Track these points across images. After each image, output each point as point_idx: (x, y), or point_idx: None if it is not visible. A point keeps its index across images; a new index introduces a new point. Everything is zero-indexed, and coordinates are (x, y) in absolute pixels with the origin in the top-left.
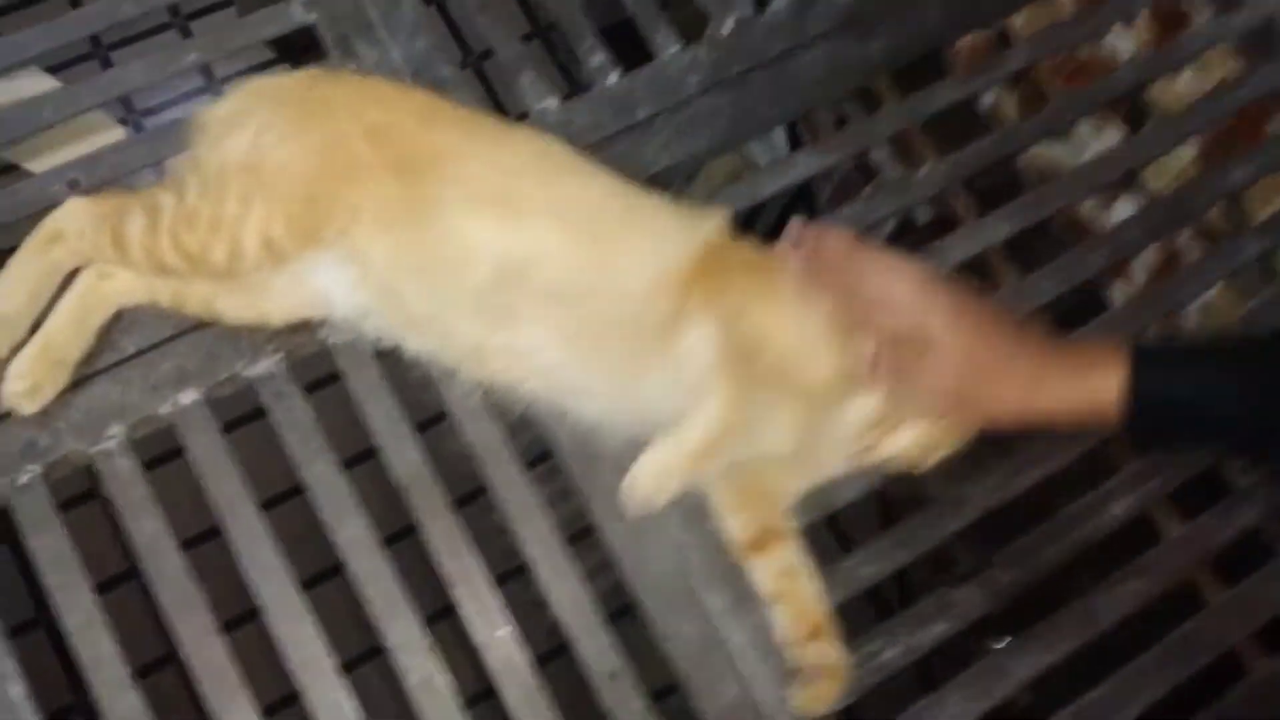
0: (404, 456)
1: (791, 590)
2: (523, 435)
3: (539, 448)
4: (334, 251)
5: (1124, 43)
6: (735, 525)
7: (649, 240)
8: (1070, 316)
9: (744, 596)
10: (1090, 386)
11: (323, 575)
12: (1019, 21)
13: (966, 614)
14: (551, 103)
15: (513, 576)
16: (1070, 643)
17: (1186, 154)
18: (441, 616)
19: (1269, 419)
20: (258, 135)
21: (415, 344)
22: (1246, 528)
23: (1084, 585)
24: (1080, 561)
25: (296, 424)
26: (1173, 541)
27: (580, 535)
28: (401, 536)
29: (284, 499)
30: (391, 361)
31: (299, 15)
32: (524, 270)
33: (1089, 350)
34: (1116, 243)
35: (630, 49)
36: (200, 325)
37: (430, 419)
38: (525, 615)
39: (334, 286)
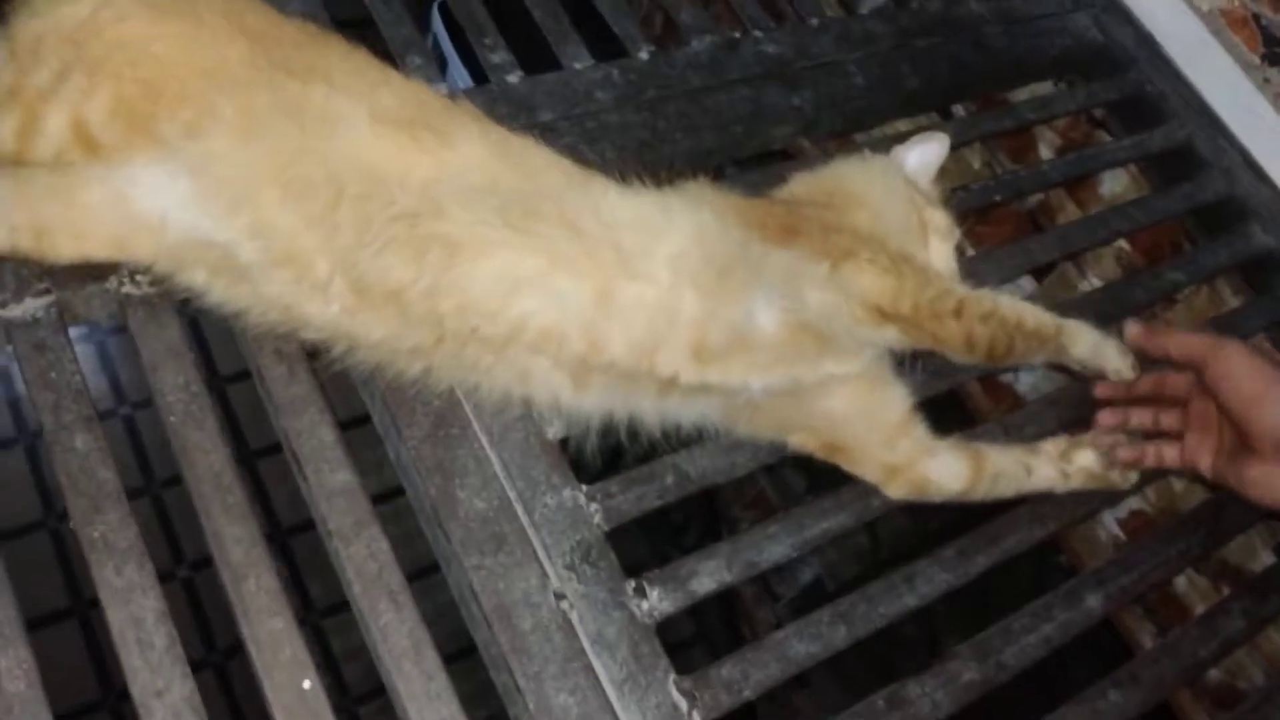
0: (196, 439)
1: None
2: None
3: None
4: (167, 159)
5: None
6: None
7: None
8: None
9: None
10: None
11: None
12: None
13: (921, 715)
14: (441, 89)
15: None
16: None
17: None
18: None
19: None
20: (97, 11)
21: (259, 284)
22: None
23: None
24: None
25: (52, 384)
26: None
27: None
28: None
29: None
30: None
31: None
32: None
33: None
34: None
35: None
36: None
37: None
38: None
39: (164, 203)
